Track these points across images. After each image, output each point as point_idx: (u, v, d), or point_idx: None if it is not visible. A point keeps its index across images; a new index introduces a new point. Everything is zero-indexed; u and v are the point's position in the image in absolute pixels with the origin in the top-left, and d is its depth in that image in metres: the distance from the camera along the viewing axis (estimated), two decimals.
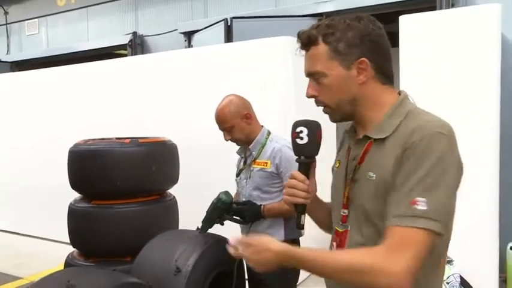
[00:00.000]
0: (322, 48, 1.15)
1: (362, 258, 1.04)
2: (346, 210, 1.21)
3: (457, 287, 2.83)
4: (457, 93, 2.93)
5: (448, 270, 2.89)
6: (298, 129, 1.23)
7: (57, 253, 3.89)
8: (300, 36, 1.19)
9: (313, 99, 1.21)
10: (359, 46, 1.14)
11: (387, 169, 1.08)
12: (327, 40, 1.14)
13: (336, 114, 1.19)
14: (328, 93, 1.17)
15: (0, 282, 4.12)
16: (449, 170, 1.04)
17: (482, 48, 2.91)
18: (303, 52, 1.20)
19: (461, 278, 2.84)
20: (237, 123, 2.25)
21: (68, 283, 1.69)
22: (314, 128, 1.23)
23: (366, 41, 1.14)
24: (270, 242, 1.14)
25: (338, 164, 1.29)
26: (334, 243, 1.24)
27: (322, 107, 1.20)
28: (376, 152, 1.15)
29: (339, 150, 1.34)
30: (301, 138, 1.22)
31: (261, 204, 2.21)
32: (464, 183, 1.09)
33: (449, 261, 2.88)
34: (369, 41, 1.14)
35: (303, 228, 1.24)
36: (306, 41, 1.17)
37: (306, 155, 1.23)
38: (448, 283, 2.85)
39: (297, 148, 1.24)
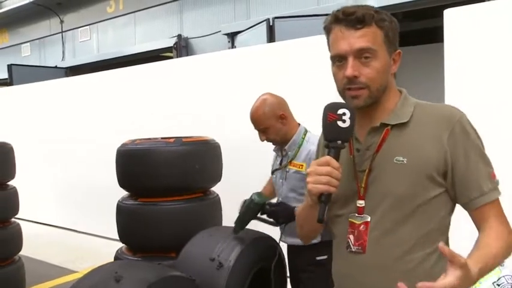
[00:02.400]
0: (376, 30, 1.15)
1: (503, 241, 1.12)
2: (362, 202, 1.19)
3: None
4: (507, 90, 2.80)
5: (499, 272, 2.76)
6: (341, 111, 1.12)
7: (108, 249, 4.06)
8: (353, 12, 1.13)
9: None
10: (397, 39, 1.19)
11: (428, 152, 1.14)
12: (380, 25, 1.15)
13: (368, 98, 1.16)
14: (372, 76, 1.14)
15: (58, 275, 4.39)
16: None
17: None
18: (338, 27, 1.15)
19: None
20: (272, 125, 2.21)
21: (115, 274, 1.78)
22: (354, 113, 1.14)
23: (398, 36, 1.20)
24: (465, 273, 0.96)
25: None
26: (351, 236, 1.21)
27: (355, 90, 1.15)
28: (398, 137, 1.17)
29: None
30: (344, 121, 1.12)
31: (294, 206, 2.10)
32: None
33: None
34: (398, 37, 1.20)
35: (323, 221, 1.12)
36: (362, 19, 1.13)
37: (344, 139, 1.13)
38: (498, 285, 2.74)
39: (335, 131, 1.12)
